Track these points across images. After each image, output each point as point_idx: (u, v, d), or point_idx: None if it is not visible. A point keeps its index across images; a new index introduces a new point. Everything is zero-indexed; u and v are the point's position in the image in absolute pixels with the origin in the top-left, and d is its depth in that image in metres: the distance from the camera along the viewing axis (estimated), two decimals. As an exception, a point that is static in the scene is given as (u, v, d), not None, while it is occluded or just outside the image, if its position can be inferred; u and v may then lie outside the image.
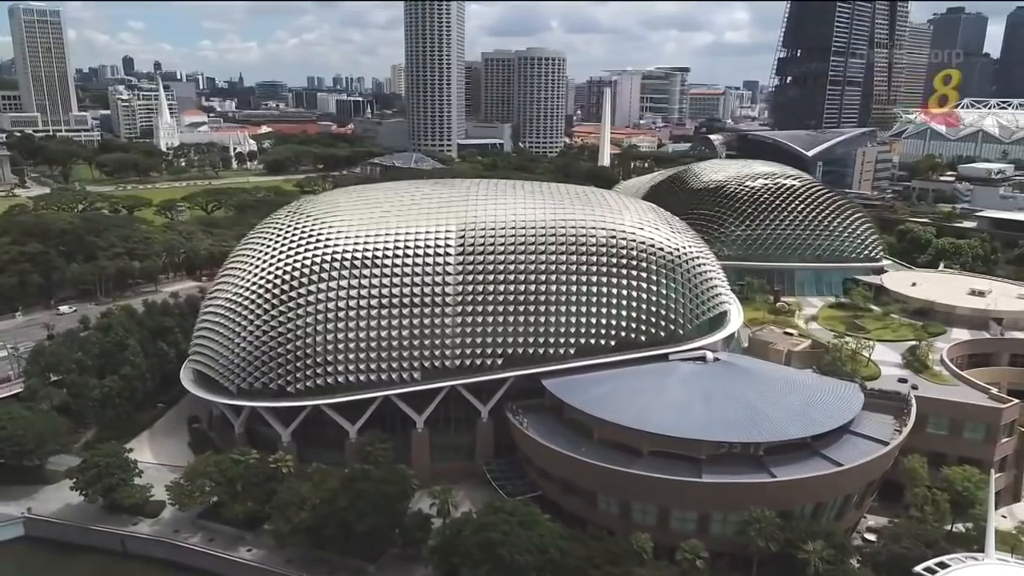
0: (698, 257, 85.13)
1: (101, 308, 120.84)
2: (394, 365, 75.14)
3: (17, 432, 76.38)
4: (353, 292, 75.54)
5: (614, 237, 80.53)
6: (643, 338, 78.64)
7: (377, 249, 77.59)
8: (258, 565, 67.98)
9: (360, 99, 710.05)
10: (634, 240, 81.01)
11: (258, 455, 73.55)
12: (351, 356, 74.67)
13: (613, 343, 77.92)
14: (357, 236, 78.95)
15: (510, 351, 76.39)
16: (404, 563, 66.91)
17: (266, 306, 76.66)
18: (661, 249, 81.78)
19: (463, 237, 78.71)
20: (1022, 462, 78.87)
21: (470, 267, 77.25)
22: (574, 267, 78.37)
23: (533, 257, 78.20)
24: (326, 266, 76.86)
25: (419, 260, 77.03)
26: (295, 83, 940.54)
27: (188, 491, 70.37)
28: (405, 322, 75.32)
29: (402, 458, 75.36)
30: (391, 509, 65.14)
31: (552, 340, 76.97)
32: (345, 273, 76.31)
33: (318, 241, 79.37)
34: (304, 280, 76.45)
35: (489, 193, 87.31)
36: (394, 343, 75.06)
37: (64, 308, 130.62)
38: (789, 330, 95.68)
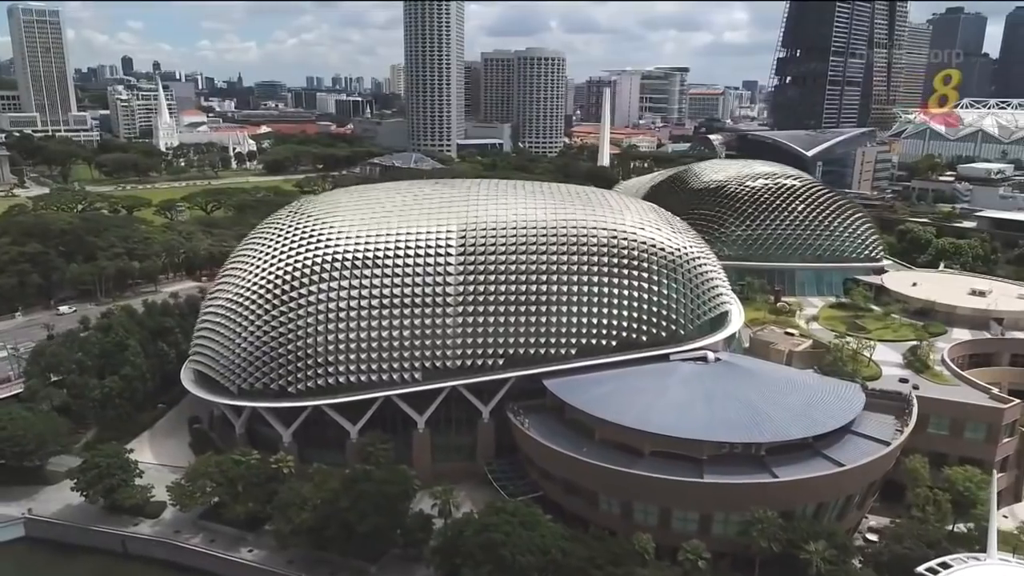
0: (699, 257, 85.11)
1: (101, 308, 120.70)
2: (395, 365, 75.09)
3: (17, 433, 76.30)
4: (354, 292, 75.49)
5: (615, 237, 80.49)
6: (644, 338, 78.60)
7: (378, 249, 77.54)
8: (259, 566, 67.88)
9: (359, 99, 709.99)
10: (635, 240, 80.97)
11: (259, 455, 73.45)
12: (352, 356, 74.60)
13: (614, 343, 77.87)
14: (358, 236, 78.90)
15: (511, 351, 76.34)
16: (406, 564, 66.84)
17: (267, 306, 76.59)
18: (662, 249, 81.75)
19: (464, 237, 78.65)
20: (1023, 462, 78.87)
21: (471, 267, 77.20)
22: (575, 267, 78.33)
23: (534, 257, 78.16)
24: (327, 266, 76.80)
25: (420, 260, 76.97)
26: (294, 83, 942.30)
27: (189, 492, 70.27)
28: (406, 322, 75.26)
29: (403, 458, 75.33)
30: (393, 510, 65.09)
31: (553, 340, 76.92)
32: (346, 273, 76.24)
33: (319, 241, 79.31)
34: (305, 280, 76.39)
35: (490, 193, 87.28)
36: (395, 343, 75.00)
37: (64, 308, 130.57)
38: (790, 330, 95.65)
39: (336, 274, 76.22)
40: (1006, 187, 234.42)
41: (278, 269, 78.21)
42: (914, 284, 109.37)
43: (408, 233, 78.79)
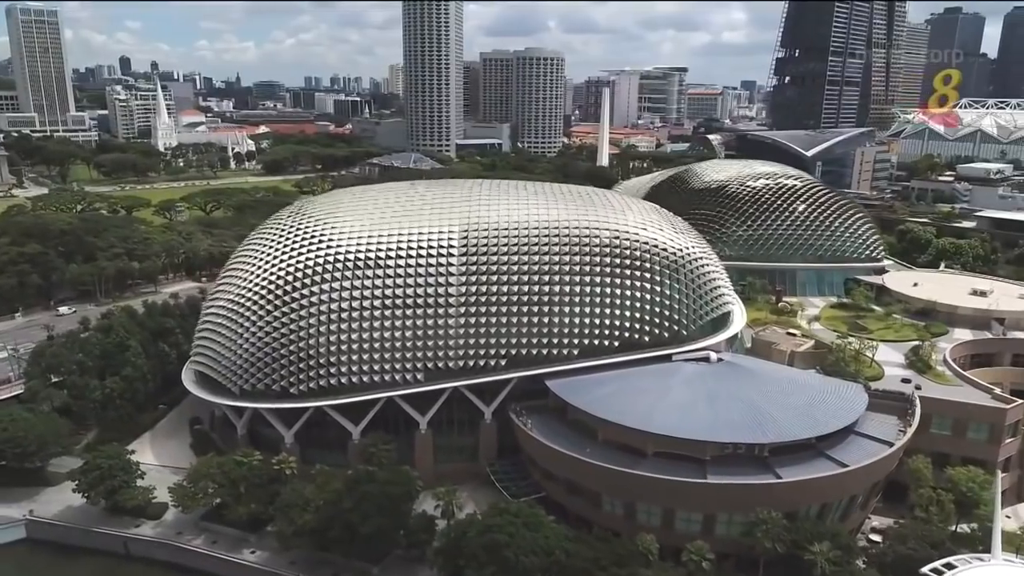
0: (701, 257, 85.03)
1: (101, 309, 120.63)
2: (397, 366, 74.94)
3: (18, 434, 76.08)
4: (356, 293, 75.33)
5: (617, 237, 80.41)
6: (647, 339, 78.52)
7: (380, 250, 77.39)
8: (262, 567, 67.74)
9: (358, 99, 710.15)
10: (637, 240, 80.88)
11: (261, 456, 73.20)
12: (354, 357, 74.45)
13: (617, 344, 77.77)
14: (360, 237, 78.75)
15: (513, 352, 76.23)
16: (408, 565, 66.71)
17: (269, 307, 76.40)
18: (665, 250, 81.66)
19: (466, 237, 78.52)
20: (1025, 462, 78.97)
21: (473, 268, 77.06)
22: (577, 267, 78.22)
23: (536, 258, 78.04)
24: (329, 267, 76.63)
25: (422, 261, 76.83)
26: (292, 83, 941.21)
27: (191, 493, 70.07)
28: (408, 323, 75.11)
29: (405, 459, 75.20)
30: (395, 511, 64.92)
31: (556, 341, 76.82)
32: (348, 274, 76.08)
33: (321, 242, 79.15)
34: (307, 281, 76.22)
35: (492, 193, 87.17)
36: (397, 344, 74.87)
37: (63, 309, 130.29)
38: (792, 330, 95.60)
39: (338, 275, 76.06)
40: (1005, 187, 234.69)
41: (280, 270, 78.04)
42: (915, 284, 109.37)
43: (410, 234, 78.65)
